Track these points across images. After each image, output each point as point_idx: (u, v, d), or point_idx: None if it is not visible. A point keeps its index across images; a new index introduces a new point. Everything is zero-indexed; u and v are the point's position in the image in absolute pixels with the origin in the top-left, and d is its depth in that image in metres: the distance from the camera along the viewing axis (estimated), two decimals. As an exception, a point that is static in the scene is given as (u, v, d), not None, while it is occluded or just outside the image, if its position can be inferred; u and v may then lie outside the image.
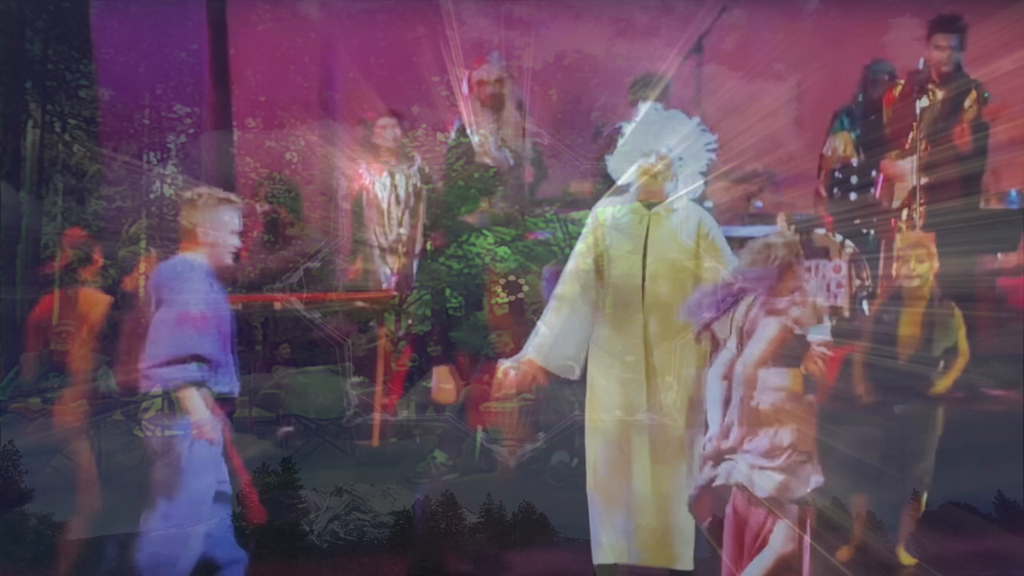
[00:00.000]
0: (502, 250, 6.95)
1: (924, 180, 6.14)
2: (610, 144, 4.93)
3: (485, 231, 6.99)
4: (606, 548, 4.59)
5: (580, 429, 6.21)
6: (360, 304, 6.76)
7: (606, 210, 4.73)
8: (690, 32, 6.30)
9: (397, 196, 7.10)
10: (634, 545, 4.54)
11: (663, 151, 4.56)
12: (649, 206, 4.67)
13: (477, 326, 6.80)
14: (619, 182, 4.77)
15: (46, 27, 8.12)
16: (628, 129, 4.70)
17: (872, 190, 6.60)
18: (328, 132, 7.40)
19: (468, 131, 7.01)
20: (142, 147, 8.52)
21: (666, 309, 4.57)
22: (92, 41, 7.57)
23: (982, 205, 6.22)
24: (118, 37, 7.78)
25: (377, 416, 6.20)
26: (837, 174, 6.79)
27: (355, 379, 6.47)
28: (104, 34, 7.69)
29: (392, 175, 7.12)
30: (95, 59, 7.65)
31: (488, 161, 6.92)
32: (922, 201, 6.06)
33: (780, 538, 3.98)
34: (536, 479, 5.89)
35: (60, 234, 5.84)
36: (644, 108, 4.74)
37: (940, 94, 6.28)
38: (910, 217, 6.14)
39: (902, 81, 6.66)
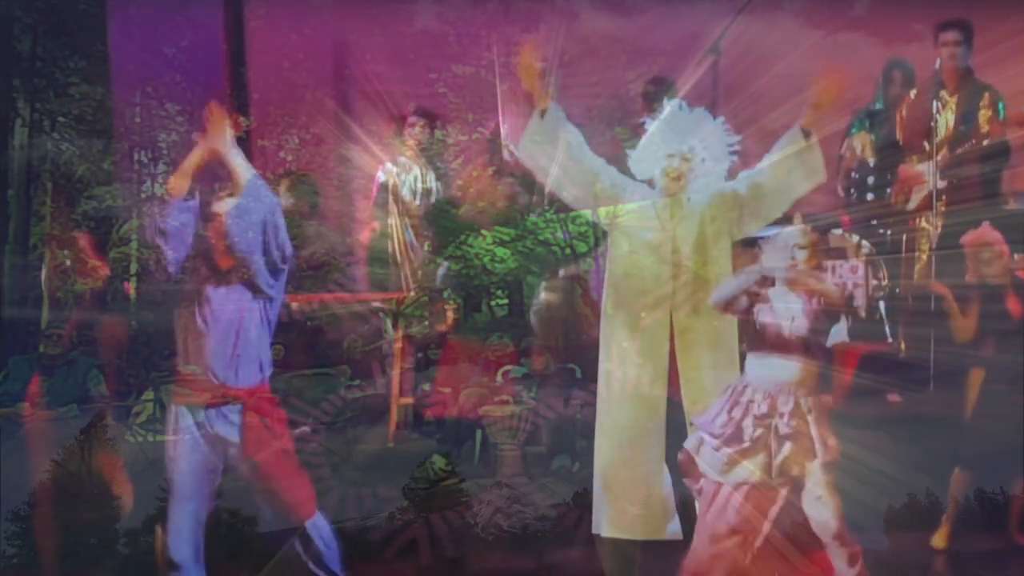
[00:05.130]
0: (501, 251, 6.86)
1: (941, 181, 6.13)
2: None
3: (484, 231, 6.89)
4: (611, 524, 4.64)
5: (582, 433, 6.24)
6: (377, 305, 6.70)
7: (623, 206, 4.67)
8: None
9: (423, 193, 7.04)
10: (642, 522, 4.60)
11: (686, 151, 4.49)
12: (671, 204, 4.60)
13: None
14: (639, 178, 4.69)
15: (34, 24, 8.00)
16: (652, 126, 4.62)
17: (888, 191, 6.55)
18: (351, 129, 7.31)
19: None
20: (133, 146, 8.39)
21: (683, 308, 4.51)
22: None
23: (1000, 206, 6.18)
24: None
25: (394, 416, 6.11)
26: (854, 175, 6.72)
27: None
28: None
29: (420, 172, 7.05)
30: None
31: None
32: (940, 202, 6.05)
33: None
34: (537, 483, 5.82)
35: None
36: (668, 106, 4.67)
37: (954, 95, 6.27)
38: (928, 219, 6.13)
39: (918, 82, 6.63)
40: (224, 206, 4.18)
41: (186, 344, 4.25)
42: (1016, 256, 5.94)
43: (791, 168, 4.44)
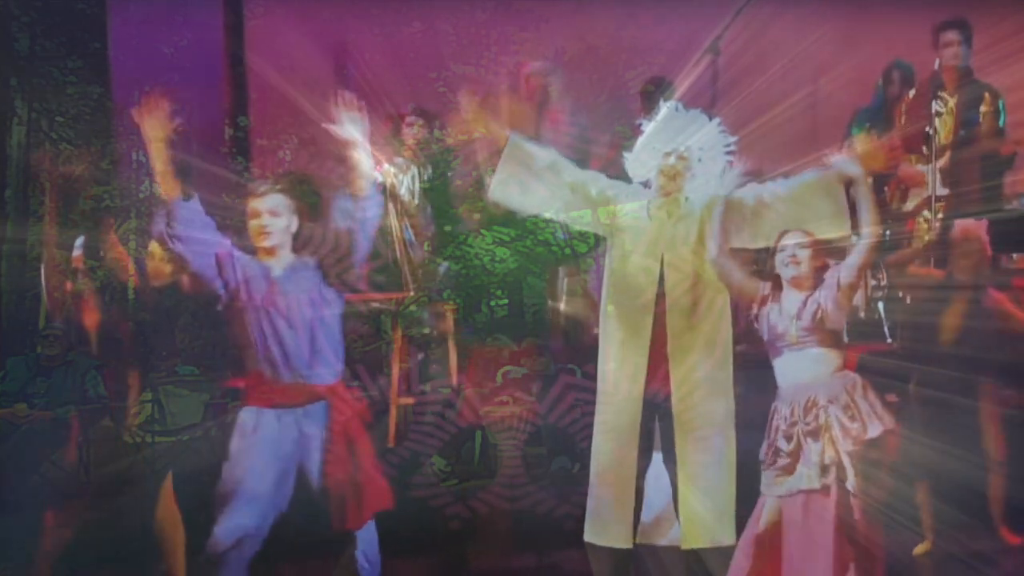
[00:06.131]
0: (501, 251, 6.84)
1: (940, 181, 6.13)
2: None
3: (483, 231, 6.87)
4: (600, 529, 4.56)
5: (582, 433, 6.24)
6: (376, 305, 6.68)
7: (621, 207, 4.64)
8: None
9: (421, 193, 7.02)
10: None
11: (683, 150, 4.48)
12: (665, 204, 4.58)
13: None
14: (636, 180, 4.67)
15: (32, 23, 7.98)
16: (647, 127, 4.61)
17: (885, 190, 6.54)
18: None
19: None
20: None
21: (678, 309, 4.50)
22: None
23: (999, 206, 6.19)
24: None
25: (394, 416, 6.09)
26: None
27: None
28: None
29: (417, 172, 7.03)
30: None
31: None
32: (938, 203, 6.05)
33: None
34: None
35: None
36: (664, 107, 4.65)
37: (953, 95, 6.26)
38: (926, 219, 6.13)
39: (918, 83, 6.61)
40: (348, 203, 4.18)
41: (260, 344, 4.12)
42: (1015, 256, 5.96)
43: (810, 206, 4.41)
